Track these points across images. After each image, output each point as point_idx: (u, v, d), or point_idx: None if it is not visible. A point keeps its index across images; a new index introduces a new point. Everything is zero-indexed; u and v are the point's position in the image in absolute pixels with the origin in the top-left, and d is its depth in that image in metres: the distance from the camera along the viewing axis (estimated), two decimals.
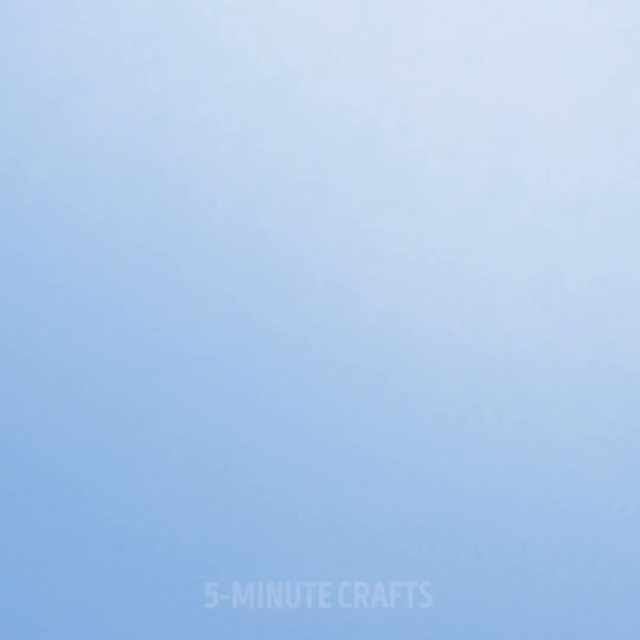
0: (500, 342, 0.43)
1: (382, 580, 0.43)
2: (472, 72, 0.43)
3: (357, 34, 0.43)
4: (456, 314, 0.43)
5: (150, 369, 0.42)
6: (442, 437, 0.42)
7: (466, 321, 0.43)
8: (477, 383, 0.43)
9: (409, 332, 0.43)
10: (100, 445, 0.42)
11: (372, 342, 0.43)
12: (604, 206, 0.43)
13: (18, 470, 0.42)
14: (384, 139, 0.43)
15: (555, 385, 0.43)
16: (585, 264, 0.43)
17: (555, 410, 0.43)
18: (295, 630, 0.43)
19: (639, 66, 0.43)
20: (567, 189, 0.43)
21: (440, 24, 0.43)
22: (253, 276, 0.42)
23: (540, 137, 0.43)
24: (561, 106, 0.43)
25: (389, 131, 0.43)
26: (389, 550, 0.43)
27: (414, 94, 0.43)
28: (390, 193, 0.43)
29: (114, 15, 0.43)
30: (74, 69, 0.43)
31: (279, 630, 0.43)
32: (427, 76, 0.43)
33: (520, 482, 0.43)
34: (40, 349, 0.42)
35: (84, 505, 0.43)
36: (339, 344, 0.42)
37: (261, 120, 0.43)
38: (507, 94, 0.43)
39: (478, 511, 0.43)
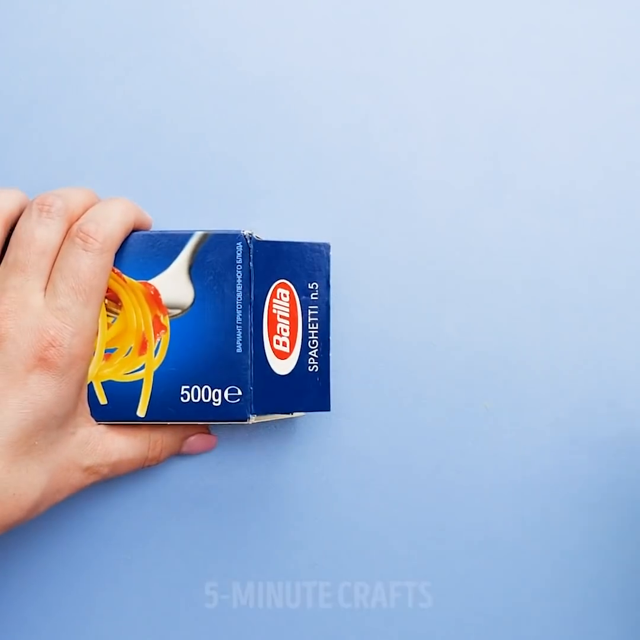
0: (492, 342, 0.43)
1: (382, 580, 0.43)
2: (463, 71, 0.43)
3: (347, 33, 0.43)
4: (448, 314, 0.43)
5: None
6: (435, 435, 0.43)
7: (458, 321, 0.43)
8: (468, 382, 0.43)
9: (399, 332, 0.43)
10: None
11: (363, 342, 0.43)
12: (596, 205, 0.44)
13: None
14: (374, 139, 0.43)
15: (547, 384, 0.43)
16: (578, 263, 0.43)
17: (548, 409, 0.43)
18: (295, 630, 0.43)
19: (630, 66, 0.44)
20: (559, 187, 0.43)
21: (432, 23, 0.43)
22: None
23: (532, 135, 0.44)
24: (553, 105, 0.44)
25: (379, 130, 0.43)
26: (389, 550, 0.43)
27: (404, 93, 0.43)
28: (380, 192, 0.43)
29: (103, 15, 0.43)
30: (64, 68, 0.43)
31: (279, 630, 0.43)
32: (418, 75, 0.43)
33: (517, 481, 0.43)
34: None
35: (82, 503, 0.42)
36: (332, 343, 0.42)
37: (250, 121, 0.43)
38: (498, 94, 0.43)
39: (478, 511, 0.43)
